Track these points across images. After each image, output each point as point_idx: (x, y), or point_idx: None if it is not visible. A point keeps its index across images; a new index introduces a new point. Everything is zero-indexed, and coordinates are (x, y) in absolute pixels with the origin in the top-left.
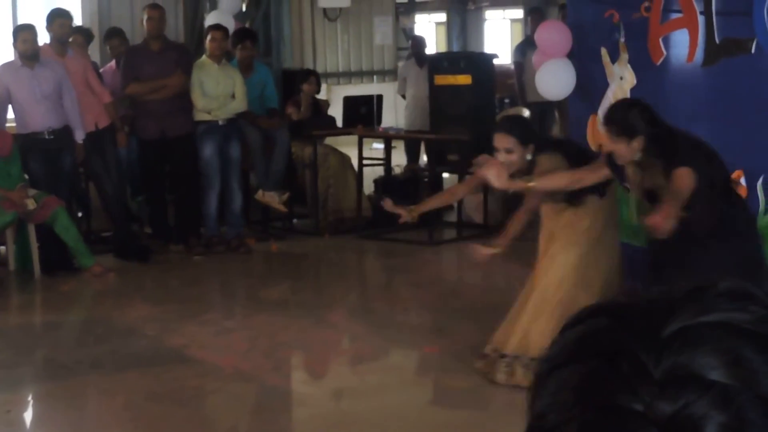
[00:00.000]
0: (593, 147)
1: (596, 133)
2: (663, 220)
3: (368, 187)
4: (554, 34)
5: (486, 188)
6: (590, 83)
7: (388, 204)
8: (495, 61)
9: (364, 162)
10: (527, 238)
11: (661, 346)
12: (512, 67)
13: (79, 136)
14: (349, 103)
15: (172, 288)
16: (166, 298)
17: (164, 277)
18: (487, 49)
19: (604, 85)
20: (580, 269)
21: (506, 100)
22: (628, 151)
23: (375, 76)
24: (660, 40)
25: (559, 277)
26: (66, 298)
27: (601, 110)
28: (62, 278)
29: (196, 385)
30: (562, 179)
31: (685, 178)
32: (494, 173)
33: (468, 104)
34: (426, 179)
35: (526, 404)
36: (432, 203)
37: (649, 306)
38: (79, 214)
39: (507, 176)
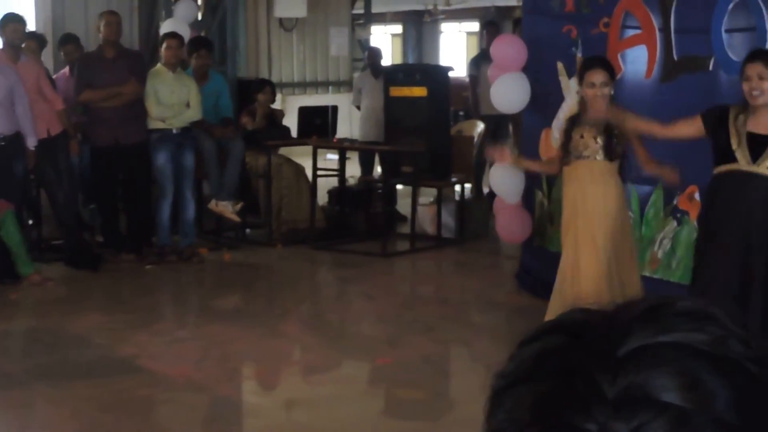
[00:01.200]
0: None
1: (549, 147)
2: None
3: (322, 198)
4: (509, 48)
5: (439, 201)
6: (545, 97)
7: (498, 151)
8: (450, 74)
9: (319, 173)
10: (480, 250)
11: (617, 365)
12: (467, 79)
13: (31, 143)
14: (304, 113)
15: (124, 297)
16: (117, 308)
17: (116, 286)
18: (443, 61)
19: (559, 100)
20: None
21: (461, 113)
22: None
23: (330, 87)
24: (618, 55)
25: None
26: (14, 306)
27: (555, 124)
28: (10, 286)
29: (147, 395)
30: (655, 125)
31: None
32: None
33: (423, 116)
34: (380, 191)
35: (484, 418)
36: (533, 166)
37: (606, 324)
38: (30, 222)
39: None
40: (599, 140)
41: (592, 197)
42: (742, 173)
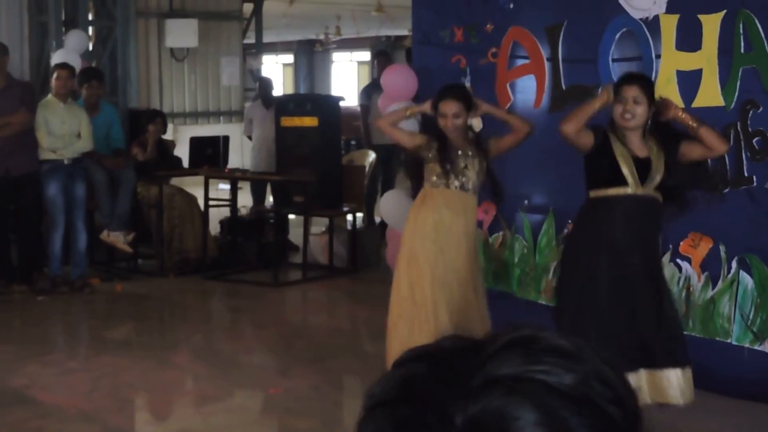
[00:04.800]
0: None
1: None
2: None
3: (214, 228)
4: (399, 78)
5: (331, 231)
6: (436, 127)
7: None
8: (342, 103)
9: (210, 203)
10: (372, 279)
11: (470, 394)
12: (359, 109)
13: None
14: (196, 143)
15: (14, 328)
16: (7, 338)
17: (6, 317)
18: (335, 90)
19: None
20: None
21: (353, 142)
22: (644, 115)
23: (222, 117)
24: (507, 85)
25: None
26: None
27: None
28: None
29: (37, 427)
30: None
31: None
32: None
33: (314, 146)
34: (272, 220)
35: None
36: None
37: (470, 353)
38: None
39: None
40: (468, 170)
41: (453, 228)
42: (631, 197)
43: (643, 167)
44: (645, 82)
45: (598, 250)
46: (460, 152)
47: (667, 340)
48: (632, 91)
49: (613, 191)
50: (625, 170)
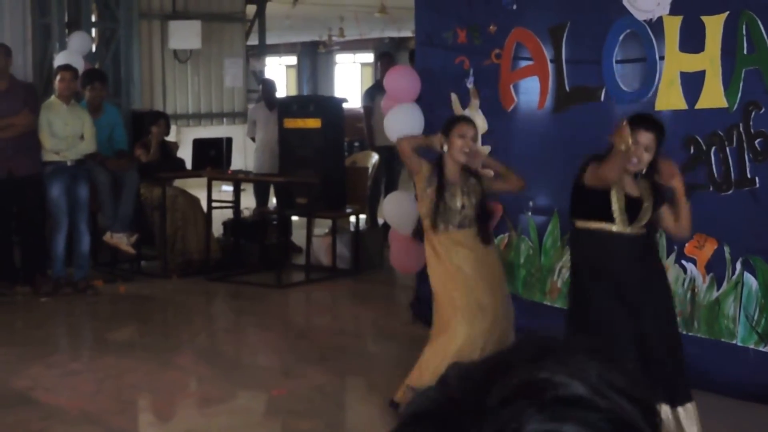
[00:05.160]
0: None
1: None
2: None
3: (217, 230)
4: (402, 79)
5: (334, 232)
6: (439, 128)
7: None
8: (345, 105)
9: (213, 204)
10: (375, 280)
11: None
12: (362, 110)
13: None
14: (199, 145)
15: (18, 330)
16: (10, 340)
17: (10, 318)
18: (338, 92)
19: None
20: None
21: (356, 144)
22: (648, 162)
23: (225, 119)
24: (511, 86)
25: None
26: None
27: None
28: None
29: (41, 428)
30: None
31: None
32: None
33: (317, 148)
34: (275, 222)
35: None
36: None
37: (474, 405)
38: None
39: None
40: (466, 209)
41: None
42: (615, 234)
43: (633, 207)
44: (660, 131)
45: (601, 285)
46: (453, 189)
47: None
48: (648, 139)
49: (596, 225)
50: (615, 207)
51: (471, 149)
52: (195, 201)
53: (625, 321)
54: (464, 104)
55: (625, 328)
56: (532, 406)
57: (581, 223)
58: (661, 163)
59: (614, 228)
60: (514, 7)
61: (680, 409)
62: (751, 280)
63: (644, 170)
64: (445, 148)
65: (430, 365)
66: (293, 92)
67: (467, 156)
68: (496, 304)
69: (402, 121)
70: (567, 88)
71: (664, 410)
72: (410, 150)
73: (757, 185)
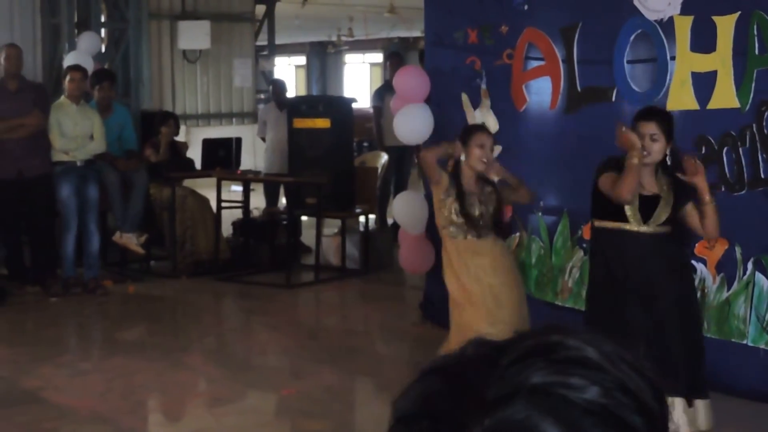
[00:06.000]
0: None
1: None
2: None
3: (226, 230)
4: (412, 79)
5: (343, 232)
6: (449, 128)
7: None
8: (354, 105)
9: (223, 204)
10: (384, 280)
11: (487, 408)
12: (371, 110)
13: None
14: (208, 145)
15: (28, 330)
16: (21, 340)
17: (20, 318)
18: (347, 92)
19: None
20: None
21: (365, 144)
22: (660, 151)
23: (234, 119)
24: (523, 87)
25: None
26: None
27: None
28: None
29: (51, 428)
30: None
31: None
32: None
33: (326, 148)
34: (284, 222)
35: None
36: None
37: (488, 362)
38: None
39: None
40: (485, 217)
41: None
42: (631, 233)
43: (648, 205)
44: (662, 118)
45: (615, 287)
46: (472, 198)
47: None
48: (650, 128)
49: (612, 224)
50: (627, 208)
51: (489, 158)
52: (204, 201)
53: (638, 318)
54: (475, 104)
55: (636, 326)
56: (541, 361)
57: (599, 223)
58: (685, 159)
59: (628, 227)
60: (526, 7)
61: (696, 404)
62: (762, 280)
63: (661, 163)
64: (463, 157)
65: None
66: (302, 92)
67: (485, 165)
68: (514, 300)
69: (411, 122)
70: (579, 89)
71: (678, 402)
72: (434, 161)
73: None
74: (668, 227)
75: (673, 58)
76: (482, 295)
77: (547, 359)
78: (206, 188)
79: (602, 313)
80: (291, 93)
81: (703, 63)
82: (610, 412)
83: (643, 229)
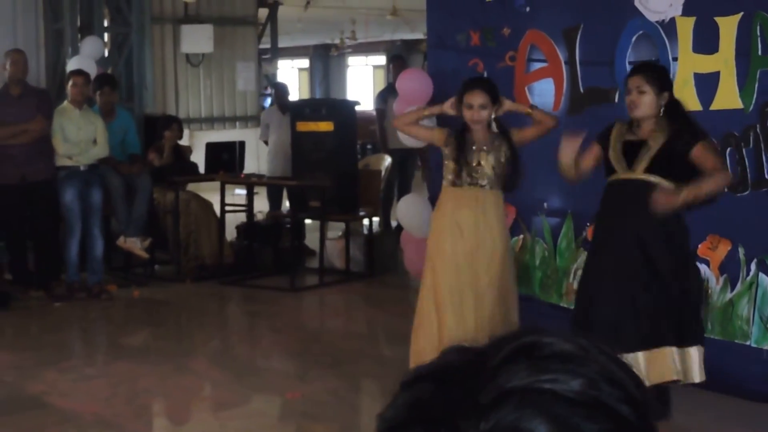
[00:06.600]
0: None
1: None
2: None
3: (230, 234)
4: (415, 82)
5: (347, 235)
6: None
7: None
8: (357, 108)
9: (227, 208)
10: (389, 283)
11: (480, 412)
12: (374, 113)
13: None
14: (212, 149)
15: (32, 335)
16: (25, 345)
17: (24, 323)
18: (350, 95)
19: None
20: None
21: (369, 146)
22: (652, 103)
23: (237, 122)
24: (526, 89)
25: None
26: None
27: None
28: None
29: None
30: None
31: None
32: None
33: (330, 151)
34: (288, 225)
35: None
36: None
37: (475, 367)
38: None
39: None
40: (482, 166)
41: (475, 225)
42: (620, 181)
43: (634, 150)
44: (650, 71)
45: (600, 233)
46: (475, 147)
47: (671, 319)
48: (635, 82)
49: (609, 178)
50: (611, 156)
51: (479, 118)
52: (208, 205)
53: (628, 268)
54: None
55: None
56: (526, 360)
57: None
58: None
59: (615, 177)
60: (528, 9)
61: (688, 350)
62: (765, 281)
63: (669, 111)
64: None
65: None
66: (305, 95)
67: (478, 123)
68: (487, 282)
69: None
70: (581, 90)
71: (670, 351)
72: (408, 125)
73: None
74: (657, 178)
75: (675, 59)
76: (448, 276)
77: (531, 358)
78: (210, 192)
79: (591, 270)
80: (294, 96)
81: (706, 64)
82: (600, 402)
83: (629, 176)
